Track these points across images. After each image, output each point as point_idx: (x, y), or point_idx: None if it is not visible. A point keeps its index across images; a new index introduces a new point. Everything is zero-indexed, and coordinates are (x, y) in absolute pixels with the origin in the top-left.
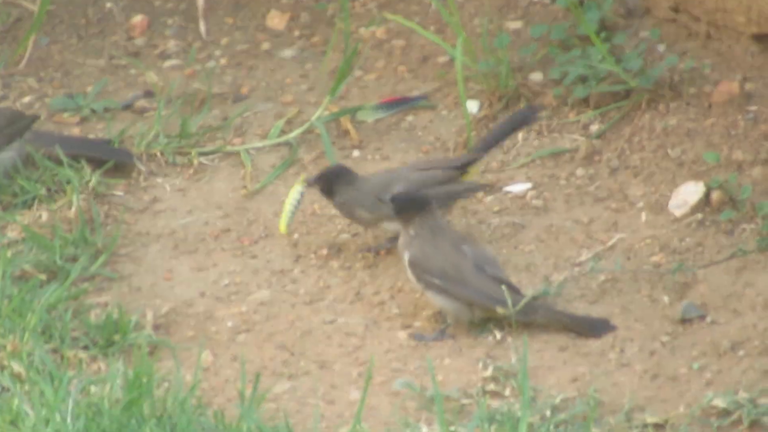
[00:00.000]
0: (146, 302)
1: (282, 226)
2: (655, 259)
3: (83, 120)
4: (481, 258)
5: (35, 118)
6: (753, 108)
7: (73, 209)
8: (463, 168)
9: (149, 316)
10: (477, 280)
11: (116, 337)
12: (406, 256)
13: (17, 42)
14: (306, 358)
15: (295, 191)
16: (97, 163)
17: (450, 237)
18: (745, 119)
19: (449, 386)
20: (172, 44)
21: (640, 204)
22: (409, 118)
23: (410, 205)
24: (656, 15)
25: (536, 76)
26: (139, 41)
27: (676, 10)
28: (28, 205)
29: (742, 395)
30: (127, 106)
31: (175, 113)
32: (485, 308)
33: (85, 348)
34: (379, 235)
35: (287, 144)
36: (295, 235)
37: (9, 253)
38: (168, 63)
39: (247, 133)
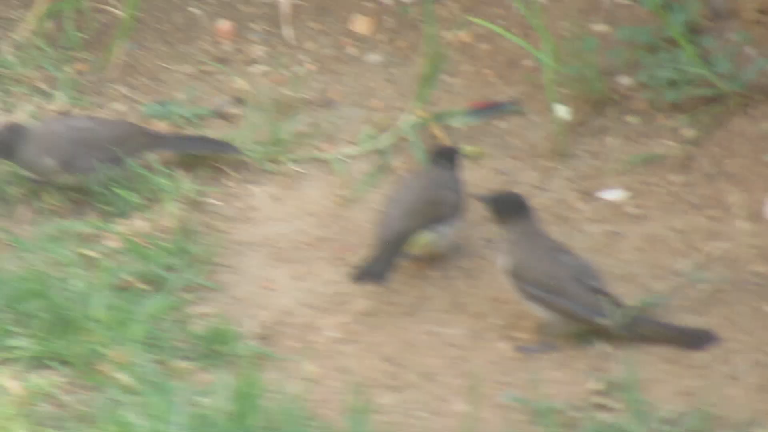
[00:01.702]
0: (248, 312)
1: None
2: (756, 268)
3: (174, 127)
4: (580, 268)
5: (156, 138)
6: None
7: (171, 218)
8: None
9: (251, 326)
10: (576, 291)
11: (220, 348)
12: (503, 264)
13: (108, 49)
14: (410, 370)
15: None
16: (192, 170)
17: (548, 245)
18: None
19: (556, 399)
20: (258, 50)
21: (738, 211)
22: (500, 123)
23: (509, 207)
24: (743, 17)
25: (624, 80)
26: (227, 47)
27: (762, 12)
28: (126, 214)
29: None
30: (217, 113)
31: (264, 119)
32: (585, 320)
33: (190, 359)
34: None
35: (378, 150)
36: None
37: (109, 263)
38: (255, 68)
39: (337, 138)
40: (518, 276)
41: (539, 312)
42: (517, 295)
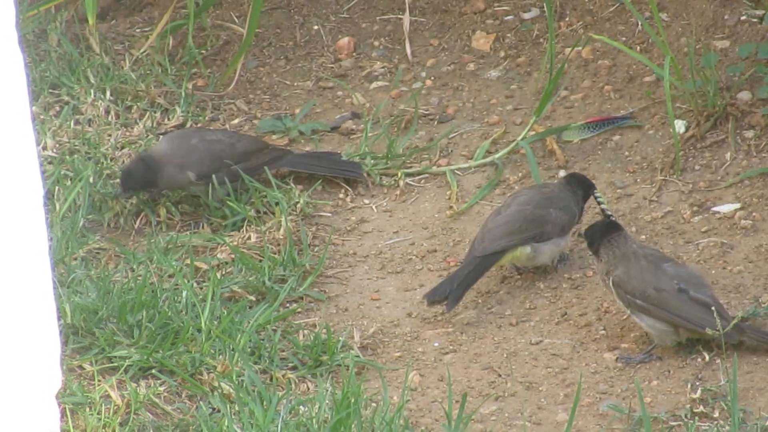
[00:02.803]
0: (353, 323)
1: None
2: None
3: (291, 141)
4: (685, 278)
5: (283, 153)
6: None
7: (282, 231)
8: None
9: (356, 336)
10: (679, 302)
11: (324, 358)
12: (609, 278)
13: (226, 65)
14: (512, 379)
15: None
16: (307, 183)
17: (649, 256)
18: None
19: (657, 408)
20: (378, 66)
21: None
22: (615, 137)
23: (600, 236)
24: None
25: (744, 96)
26: (346, 63)
27: None
28: (237, 226)
29: None
30: (334, 128)
31: (381, 135)
32: (690, 330)
33: (294, 368)
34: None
35: (493, 164)
36: None
37: (219, 275)
38: (374, 84)
39: (453, 153)
40: (620, 287)
41: (643, 322)
42: (622, 305)
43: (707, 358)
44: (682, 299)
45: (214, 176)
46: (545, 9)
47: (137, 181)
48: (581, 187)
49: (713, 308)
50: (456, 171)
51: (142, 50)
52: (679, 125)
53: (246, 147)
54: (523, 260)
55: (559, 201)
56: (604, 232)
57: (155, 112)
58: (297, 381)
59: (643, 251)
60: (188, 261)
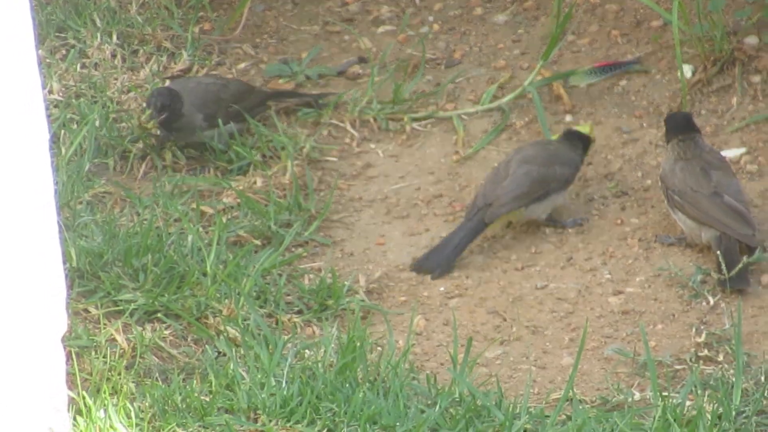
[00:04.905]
0: (359, 267)
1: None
2: None
3: (298, 86)
4: (725, 186)
5: (268, 95)
6: None
7: (288, 175)
8: None
9: (362, 281)
10: (710, 203)
11: (329, 302)
12: (659, 171)
13: (233, 8)
14: (518, 324)
15: None
16: (313, 128)
17: (705, 164)
18: None
19: (662, 352)
20: (385, 10)
21: None
22: (622, 82)
23: (674, 132)
24: None
25: (752, 40)
26: (353, 7)
27: None
28: (243, 171)
29: None
30: (341, 72)
31: (388, 79)
32: (718, 228)
33: (299, 312)
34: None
35: (499, 109)
36: None
37: (224, 219)
38: (381, 29)
39: (460, 98)
40: (664, 182)
41: (677, 217)
42: (665, 201)
43: (712, 302)
44: (714, 202)
45: (219, 119)
46: None
47: (172, 104)
48: (580, 140)
49: (738, 214)
50: (462, 116)
51: None
52: (686, 70)
53: (237, 88)
54: (515, 218)
55: (563, 156)
56: (679, 130)
57: (161, 56)
58: (302, 325)
59: (705, 157)
60: (194, 205)
